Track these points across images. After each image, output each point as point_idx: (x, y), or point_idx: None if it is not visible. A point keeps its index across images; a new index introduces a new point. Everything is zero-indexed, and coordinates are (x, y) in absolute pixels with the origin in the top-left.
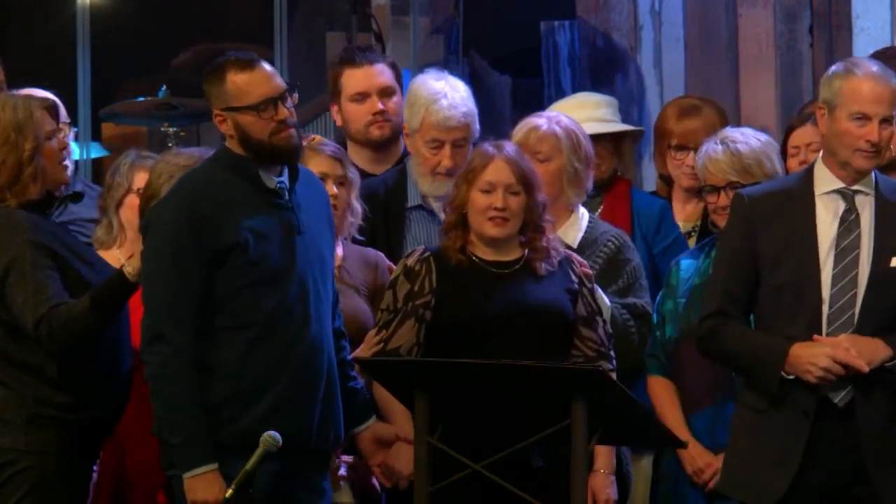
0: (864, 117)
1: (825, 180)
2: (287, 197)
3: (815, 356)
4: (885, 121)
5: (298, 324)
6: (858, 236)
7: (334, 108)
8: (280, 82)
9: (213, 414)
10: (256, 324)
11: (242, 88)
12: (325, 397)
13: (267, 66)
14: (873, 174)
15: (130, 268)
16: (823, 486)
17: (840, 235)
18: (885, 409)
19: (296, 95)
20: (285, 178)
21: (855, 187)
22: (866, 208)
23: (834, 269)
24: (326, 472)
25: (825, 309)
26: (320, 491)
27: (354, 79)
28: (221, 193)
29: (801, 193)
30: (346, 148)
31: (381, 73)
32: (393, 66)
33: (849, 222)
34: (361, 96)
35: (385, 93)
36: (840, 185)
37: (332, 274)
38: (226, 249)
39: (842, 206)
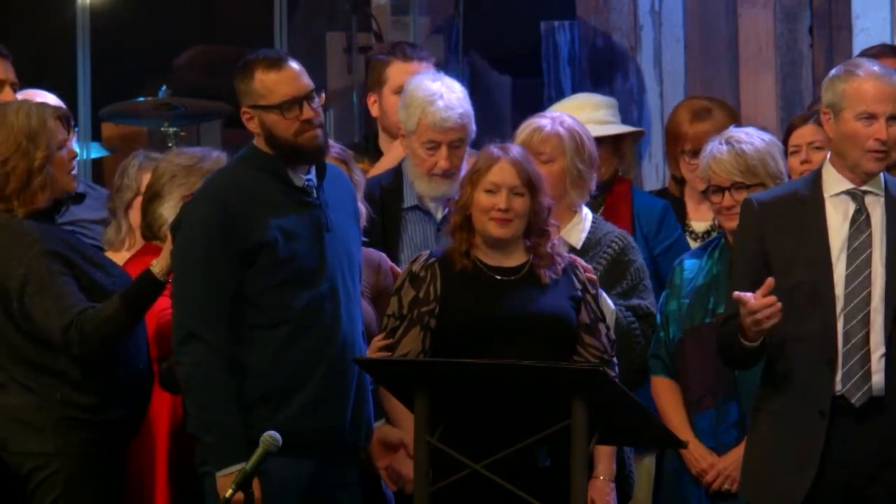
0: (871, 116)
1: (834, 182)
2: (315, 195)
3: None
4: (892, 118)
5: (329, 321)
6: (870, 236)
7: (371, 99)
8: (307, 82)
9: (248, 412)
10: (288, 322)
11: (269, 87)
12: (357, 393)
13: (295, 66)
14: (882, 175)
15: (158, 268)
16: (842, 485)
17: (851, 236)
18: None
19: (323, 95)
20: (313, 175)
21: (864, 188)
22: (877, 209)
23: (847, 269)
24: (358, 468)
25: (839, 308)
26: (354, 486)
27: (402, 72)
28: (250, 192)
29: (810, 196)
30: (377, 138)
31: (428, 71)
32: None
33: (859, 223)
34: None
35: None
36: (849, 185)
37: (359, 271)
38: (255, 248)
39: (852, 207)
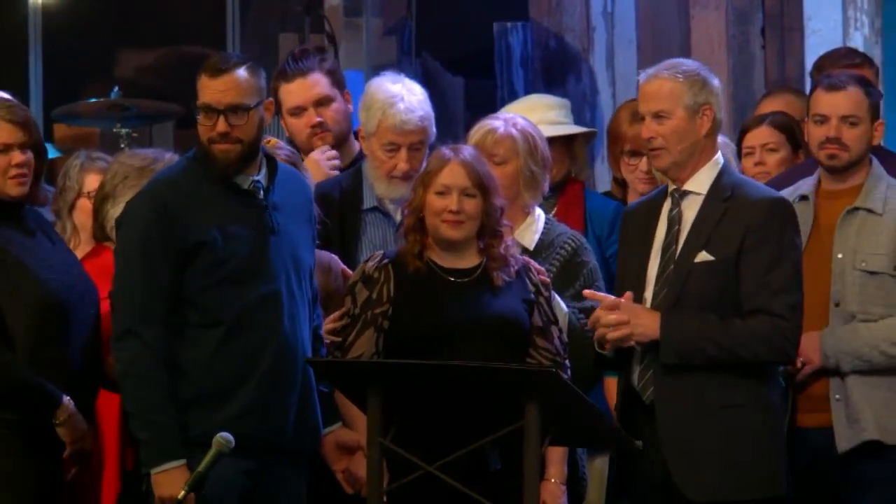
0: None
1: (671, 183)
2: (262, 196)
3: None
4: (656, 116)
5: (270, 323)
6: (678, 233)
7: (283, 122)
8: (231, 98)
9: (185, 412)
10: (225, 322)
11: (200, 88)
12: (301, 397)
13: (232, 77)
14: (720, 176)
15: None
16: (648, 475)
17: (665, 234)
18: (687, 408)
19: (254, 113)
20: (261, 177)
21: (685, 188)
22: (694, 208)
23: (658, 267)
24: (304, 473)
25: (647, 305)
26: (297, 492)
27: (288, 94)
28: (193, 191)
29: (662, 197)
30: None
31: (314, 85)
32: (329, 72)
33: (671, 220)
34: (298, 110)
35: (321, 103)
36: (673, 186)
37: (309, 273)
38: (194, 247)
39: (669, 207)
